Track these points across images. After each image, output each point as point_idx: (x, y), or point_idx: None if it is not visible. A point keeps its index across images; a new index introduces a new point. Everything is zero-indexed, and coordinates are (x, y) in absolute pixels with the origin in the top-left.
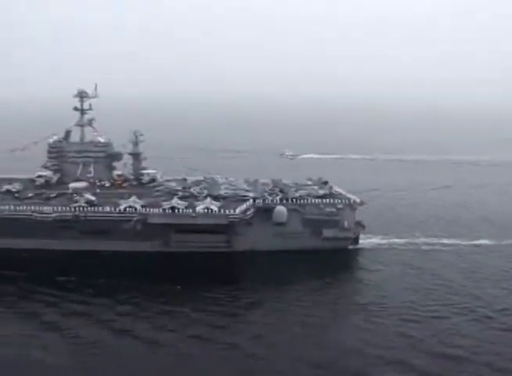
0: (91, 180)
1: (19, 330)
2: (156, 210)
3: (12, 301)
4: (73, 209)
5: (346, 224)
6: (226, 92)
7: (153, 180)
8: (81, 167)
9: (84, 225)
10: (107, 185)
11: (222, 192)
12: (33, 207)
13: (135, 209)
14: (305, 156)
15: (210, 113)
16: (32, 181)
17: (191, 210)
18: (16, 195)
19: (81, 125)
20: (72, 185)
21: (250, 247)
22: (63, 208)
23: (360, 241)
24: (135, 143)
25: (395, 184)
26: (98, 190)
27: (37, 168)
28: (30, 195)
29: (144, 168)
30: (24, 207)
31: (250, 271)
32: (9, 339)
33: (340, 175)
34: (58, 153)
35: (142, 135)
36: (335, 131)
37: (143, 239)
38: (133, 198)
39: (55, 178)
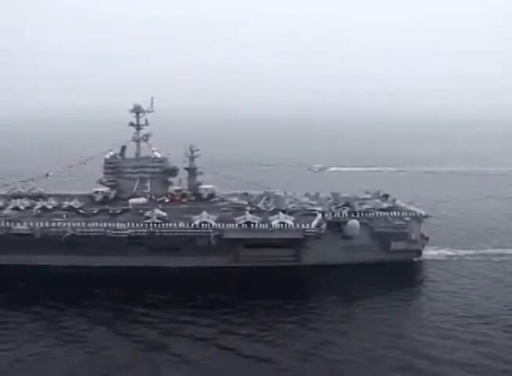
0: (148, 196)
1: (133, 353)
2: (231, 225)
3: (111, 321)
4: (147, 225)
5: (413, 236)
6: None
7: (213, 195)
8: (137, 182)
9: (155, 242)
10: (167, 200)
11: (290, 206)
12: (105, 224)
13: (210, 225)
14: (333, 169)
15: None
16: (90, 197)
17: (267, 225)
18: (81, 211)
19: (136, 141)
20: (132, 201)
21: (317, 260)
22: (137, 225)
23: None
24: (191, 158)
25: (435, 196)
26: (160, 206)
27: (92, 184)
28: (94, 211)
29: (199, 183)
30: (96, 224)
31: (325, 285)
32: (129, 361)
33: (374, 188)
34: (114, 168)
35: (197, 149)
36: (358, 144)
37: (212, 254)
38: (205, 213)
39: (112, 194)
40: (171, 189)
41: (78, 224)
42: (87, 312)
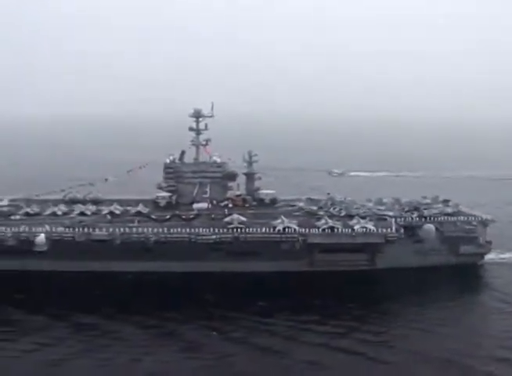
0: (208, 201)
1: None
2: (314, 230)
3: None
4: (230, 230)
5: (481, 240)
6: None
7: (275, 200)
8: (197, 187)
9: (235, 247)
10: (230, 205)
11: (361, 211)
12: (189, 230)
13: (294, 229)
14: (353, 173)
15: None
16: (153, 202)
17: (349, 229)
18: (153, 217)
19: (196, 145)
20: (195, 205)
21: (390, 264)
22: (221, 230)
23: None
24: (249, 163)
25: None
26: (226, 211)
27: (152, 189)
28: (167, 217)
29: (257, 189)
30: (179, 230)
31: (403, 288)
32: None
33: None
34: (174, 173)
35: (255, 155)
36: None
37: (289, 259)
38: (284, 218)
39: (173, 199)
40: (231, 194)
41: (160, 230)
42: (196, 320)
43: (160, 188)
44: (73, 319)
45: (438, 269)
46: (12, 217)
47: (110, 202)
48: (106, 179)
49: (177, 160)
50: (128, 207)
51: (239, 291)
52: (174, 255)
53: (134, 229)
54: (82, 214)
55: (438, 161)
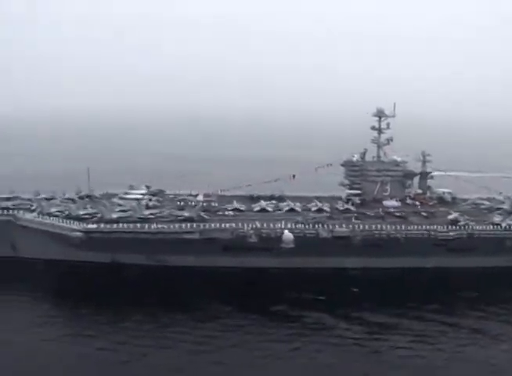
0: (394, 199)
1: None
2: None
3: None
4: (462, 228)
5: None
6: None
7: (455, 199)
8: (378, 185)
9: (458, 243)
10: (417, 203)
11: None
12: (426, 227)
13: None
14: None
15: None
16: (348, 200)
17: None
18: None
19: (378, 144)
20: (386, 203)
21: None
22: (453, 227)
23: None
24: (423, 162)
25: None
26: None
27: (334, 187)
28: (382, 214)
29: (429, 187)
30: (416, 227)
31: None
32: None
33: None
34: (358, 171)
35: (429, 154)
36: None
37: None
38: (500, 216)
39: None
40: (412, 192)
41: (398, 227)
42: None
43: (343, 185)
44: None
45: None
46: (220, 213)
47: (291, 199)
48: (294, 176)
49: (359, 159)
50: (317, 204)
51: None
52: (391, 251)
53: (373, 226)
54: (263, 210)
55: None
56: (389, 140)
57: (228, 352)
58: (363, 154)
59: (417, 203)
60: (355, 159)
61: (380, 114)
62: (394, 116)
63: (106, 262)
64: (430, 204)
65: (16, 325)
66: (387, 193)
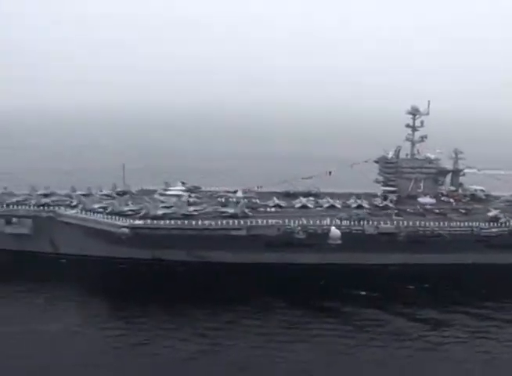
0: (428, 196)
1: None
2: None
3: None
4: (504, 225)
5: None
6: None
7: (488, 196)
8: (412, 182)
9: (499, 240)
10: (451, 200)
11: None
12: (472, 224)
13: None
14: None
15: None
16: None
17: None
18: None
19: (412, 141)
20: (422, 200)
21: None
22: (495, 224)
23: None
24: (455, 160)
25: None
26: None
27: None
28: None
29: (461, 184)
30: (465, 224)
31: None
32: None
33: None
34: (393, 168)
35: (461, 152)
36: None
37: None
38: None
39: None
40: (445, 189)
41: (441, 223)
42: None
43: (378, 182)
44: None
45: None
46: (262, 209)
47: (327, 195)
48: (330, 172)
49: (393, 156)
50: (348, 201)
51: None
52: (434, 248)
53: (417, 223)
54: (304, 207)
55: None
56: (423, 138)
57: (295, 348)
58: (397, 151)
59: (452, 200)
60: (389, 156)
61: (414, 112)
62: (428, 114)
63: (146, 258)
64: (464, 201)
65: (74, 322)
66: (420, 190)
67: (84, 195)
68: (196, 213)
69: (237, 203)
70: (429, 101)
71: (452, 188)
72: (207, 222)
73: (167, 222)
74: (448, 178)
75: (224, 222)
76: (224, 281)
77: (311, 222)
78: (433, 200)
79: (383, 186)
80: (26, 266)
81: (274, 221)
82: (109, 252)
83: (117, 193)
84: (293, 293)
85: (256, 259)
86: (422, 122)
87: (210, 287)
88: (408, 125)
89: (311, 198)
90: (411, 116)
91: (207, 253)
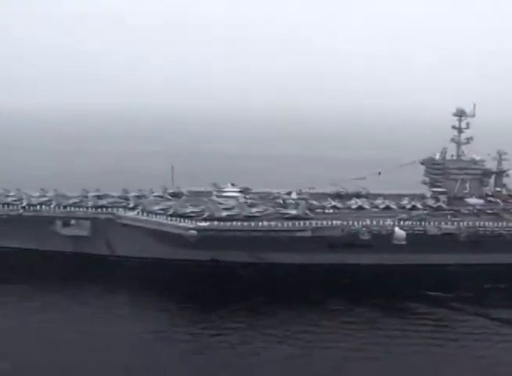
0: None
1: None
2: None
3: None
4: None
5: None
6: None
7: None
8: (458, 183)
9: None
10: (498, 201)
11: None
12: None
13: None
14: None
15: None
16: (435, 198)
17: None
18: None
19: (457, 143)
20: (470, 201)
21: None
22: None
23: None
24: (499, 161)
25: None
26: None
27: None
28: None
29: (505, 185)
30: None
31: None
32: None
33: None
34: (440, 170)
35: (505, 153)
36: None
37: None
38: None
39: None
40: (490, 190)
41: (500, 223)
42: None
43: (425, 183)
44: None
45: None
46: (319, 210)
47: (377, 196)
48: (379, 173)
49: (440, 157)
50: (401, 202)
51: None
52: (491, 247)
53: (477, 223)
54: (360, 207)
55: None
56: (469, 139)
57: (377, 349)
58: (444, 153)
59: (499, 200)
60: (437, 157)
61: (460, 114)
62: (474, 115)
63: (205, 259)
64: (511, 201)
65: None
66: (466, 191)
67: (137, 197)
68: (258, 214)
69: (297, 204)
70: (474, 104)
71: (498, 189)
72: (273, 223)
73: (233, 223)
74: (492, 179)
75: (289, 223)
76: (292, 282)
77: (374, 222)
78: (481, 201)
79: (430, 187)
80: (91, 268)
81: (339, 222)
82: (168, 254)
83: (170, 195)
84: (365, 293)
85: (318, 260)
86: (468, 124)
87: (287, 289)
88: (454, 127)
89: (363, 199)
90: (457, 118)
91: (269, 254)
